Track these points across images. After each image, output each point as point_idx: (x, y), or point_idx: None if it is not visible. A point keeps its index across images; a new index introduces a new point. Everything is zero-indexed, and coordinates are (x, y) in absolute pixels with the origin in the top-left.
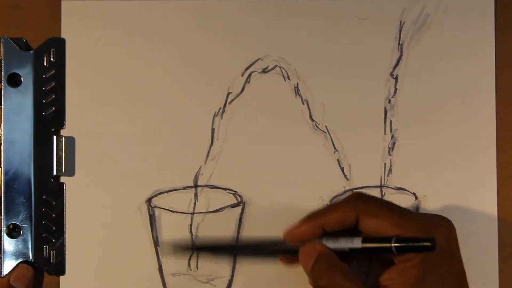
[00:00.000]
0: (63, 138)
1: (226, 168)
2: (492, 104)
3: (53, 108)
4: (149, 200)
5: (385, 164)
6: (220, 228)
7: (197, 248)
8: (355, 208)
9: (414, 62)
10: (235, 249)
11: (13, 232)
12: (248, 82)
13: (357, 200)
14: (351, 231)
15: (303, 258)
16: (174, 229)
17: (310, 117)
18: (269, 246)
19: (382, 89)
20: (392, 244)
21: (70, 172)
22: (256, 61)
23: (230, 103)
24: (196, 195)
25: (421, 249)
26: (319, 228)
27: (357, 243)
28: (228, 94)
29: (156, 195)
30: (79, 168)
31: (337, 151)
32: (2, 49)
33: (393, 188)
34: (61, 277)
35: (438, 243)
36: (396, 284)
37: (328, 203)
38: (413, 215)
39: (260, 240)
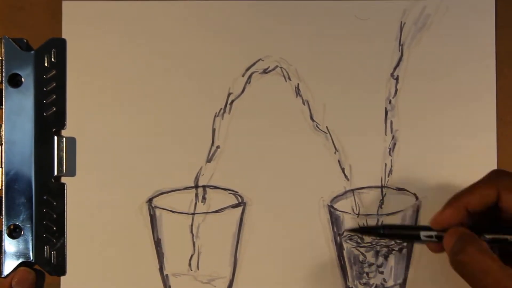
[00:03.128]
0: (64, 139)
1: (227, 169)
2: (492, 104)
3: (54, 109)
4: (149, 201)
5: (385, 164)
6: (221, 229)
7: (350, 230)
8: (496, 185)
9: (415, 63)
10: (381, 231)
11: (13, 233)
12: (249, 83)
13: (497, 176)
14: (493, 210)
15: (446, 240)
16: (174, 229)
17: (311, 117)
18: (414, 231)
19: (383, 89)
20: None
21: (71, 172)
22: (257, 61)
23: (231, 103)
24: (197, 195)
25: None
26: (463, 210)
27: None
28: (229, 94)
29: (156, 196)
30: (80, 168)
31: (337, 151)
32: (3, 50)
33: (393, 189)
34: (62, 278)
35: None
36: None
37: (329, 204)
38: None
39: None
